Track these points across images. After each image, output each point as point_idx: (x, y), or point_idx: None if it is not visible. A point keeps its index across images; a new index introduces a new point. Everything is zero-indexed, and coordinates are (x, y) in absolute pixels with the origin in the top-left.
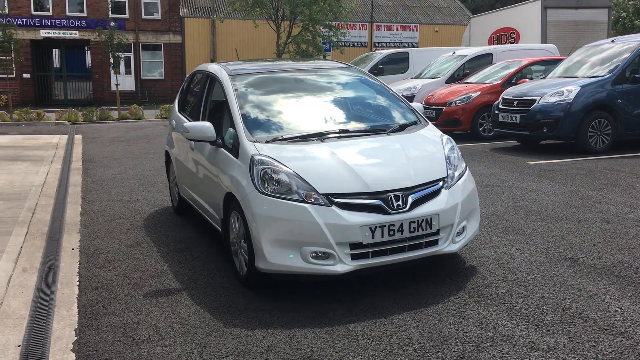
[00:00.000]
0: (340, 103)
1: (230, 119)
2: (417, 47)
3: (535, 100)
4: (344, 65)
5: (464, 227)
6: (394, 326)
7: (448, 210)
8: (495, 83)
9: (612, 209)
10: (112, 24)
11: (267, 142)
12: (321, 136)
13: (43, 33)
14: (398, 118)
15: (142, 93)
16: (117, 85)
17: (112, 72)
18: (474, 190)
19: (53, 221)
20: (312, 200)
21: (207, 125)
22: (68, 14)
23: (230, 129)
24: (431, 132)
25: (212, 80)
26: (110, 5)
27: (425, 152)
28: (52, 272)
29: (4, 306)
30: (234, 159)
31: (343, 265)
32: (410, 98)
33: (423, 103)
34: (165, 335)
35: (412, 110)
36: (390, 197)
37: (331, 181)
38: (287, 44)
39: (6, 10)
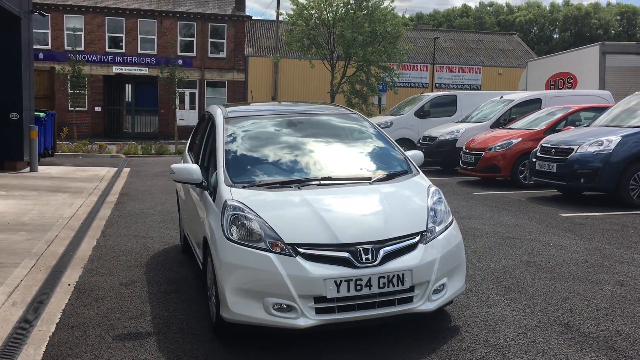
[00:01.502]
0: (329, 149)
1: (216, 162)
2: (480, 89)
3: (574, 149)
4: (345, 111)
5: (443, 285)
6: None
7: (423, 266)
8: (538, 129)
9: (632, 271)
10: (180, 61)
11: (244, 187)
12: (301, 183)
13: (115, 69)
14: (387, 166)
15: None
16: (180, 119)
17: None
18: (459, 245)
19: (64, 255)
20: (278, 249)
21: (193, 167)
22: (139, 51)
23: (216, 172)
24: (419, 183)
25: (212, 121)
26: (179, 44)
27: (406, 203)
28: (39, 307)
29: None
30: (212, 202)
31: (306, 319)
32: (453, 142)
33: (464, 148)
34: None
35: (405, 159)
36: (359, 250)
37: (299, 231)
38: (341, 84)
39: (82, 47)
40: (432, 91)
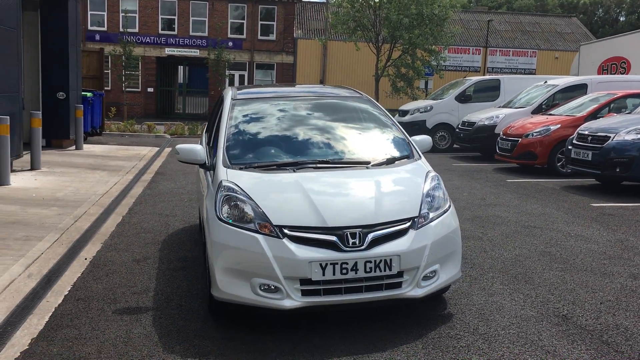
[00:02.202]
0: (332, 133)
1: (217, 143)
2: (534, 74)
3: (610, 137)
4: (355, 94)
5: (435, 272)
6: None
7: (412, 252)
8: (579, 116)
9: None
10: (230, 43)
11: (241, 168)
12: (298, 166)
13: (167, 51)
14: (389, 151)
15: None
16: None
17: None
18: (454, 232)
19: (88, 230)
20: (267, 231)
21: (197, 148)
22: (191, 33)
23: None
24: (418, 168)
25: (222, 103)
26: (229, 26)
27: (401, 188)
28: (52, 280)
29: None
30: (211, 183)
31: (291, 300)
32: (492, 128)
33: (501, 134)
34: (104, 354)
35: (409, 144)
36: (347, 234)
37: (288, 213)
38: (386, 67)
39: (136, 29)
40: (484, 75)
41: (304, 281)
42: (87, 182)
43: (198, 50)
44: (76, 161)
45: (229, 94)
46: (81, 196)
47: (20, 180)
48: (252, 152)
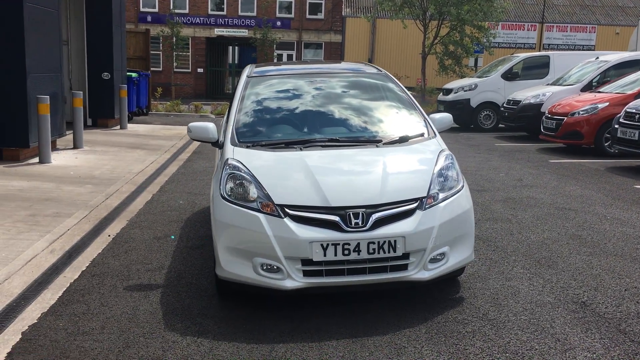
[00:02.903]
0: (346, 110)
1: (228, 120)
2: (593, 50)
3: None
4: (373, 70)
5: (443, 254)
6: (319, 352)
7: (418, 234)
8: (629, 93)
9: None
10: (278, 23)
11: (248, 146)
12: (306, 144)
13: (217, 31)
14: (403, 129)
15: None
16: None
17: None
18: (467, 214)
19: (117, 207)
20: (269, 210)
21: (209, 126)
22: (240, 13)
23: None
24: (431, 147)
25: (238, 81)
26: (277, 6)
27: (411, 168)
28: (73, 256)
29: (5, 283)
30: (220, 161)
31: (292, 281)
32: (538, 106)
33: (547, 112)
34: (107, 329)
35: (425, 121)
36: (349, 214)
37: (291, 192)
38: (433, 44)
39: (187, 10)
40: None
41: (306, 261)
42: (124, 161)
43: (247, 31)
44: (118, 140)
45: (245, 71)
46: (117, 174)
47: (61, 159)
48: (261, 130)
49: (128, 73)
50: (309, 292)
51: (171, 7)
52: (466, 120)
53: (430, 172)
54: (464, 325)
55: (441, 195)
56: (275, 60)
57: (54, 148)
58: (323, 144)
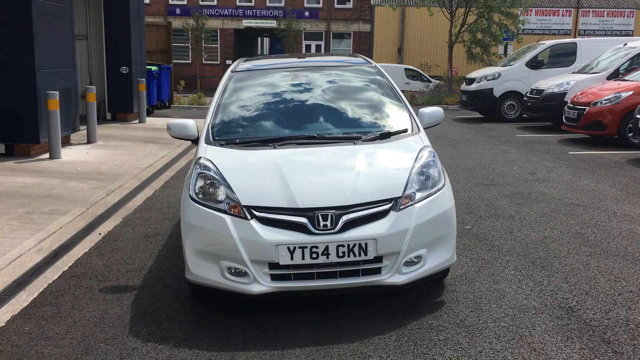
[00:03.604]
0: (329, 106)
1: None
2: (632, 35)
3: None
4: (361, 62)
5: (420, 257)
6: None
7: (391, 236)
8: None
9: None
10: (306, 13)
11: (222, 144)
12: (281, 142)
13: (245, 23)
14: (385, 125)
15: None
16: None
17: None
18: (447, 214)
19: (115, 204)
20: (236, 212)
21: (189, 123)
22: (268, 4)
23: None
24: (412, 144)
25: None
26: None
27: (387, 166)
28: (59, 256)
29: None
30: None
31: (259, 285)
32: (562, 95)
33: (569, 102)
34: (71, 334)
35: (410, 117)
36: (318, 216)
37: (259, 193)
38: (460, 32)
39: (215, 2)
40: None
41: (273, 265)
42: (135, 156)
43: (275, 21)
44: (133, 134)
45: (232, 65)
46: (124, 170)
47: (72, 154)
48: (238, 127)
49: (148, 67)
50: (277, 296)
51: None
52: (489, 110)
53: (408, 171)
54: (437, 332)
55: (419, 195)
56: (303, 51)
57: (68, 143)
58: (300, 141)
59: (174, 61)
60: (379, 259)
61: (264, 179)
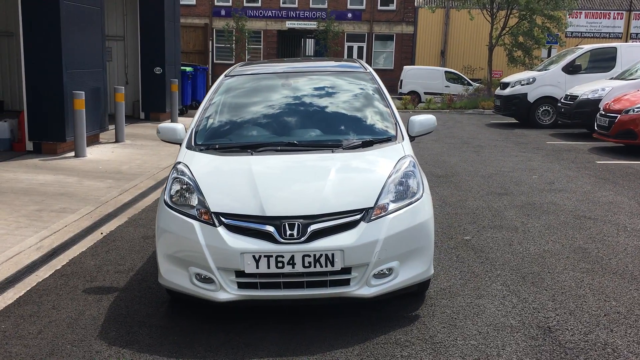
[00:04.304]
0: (315, 112)
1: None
2: None
3: None
4: (357, 70)
5: (391, 269)
6: None
7: (359, 248)
8: None
9: None
10: (349, 15)
11: (202, 150)
12: (259, 148)
13: (288, 24)
14: (368, 132)
15: None
16: None
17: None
18: (423, 226)
19: (126, 204)
20: (206, 218)
21: (178, 127)
22: (311, 5)
23: None
24: (393, 152)
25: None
26: None
27: (363, 176)
28: (57, 254)
29: None
30: None
31: (226, 293)
32: (596, 102)
33: (601, 109)
34: (43, 334)
35: (395, 125)
36: (284, 225)
37: (228, 200)
38: (501, 36)
39: (259, 3)
40: (626, 42)
41: (240, 273)
42: (158, 156)
43: (316, 23)
44: None
45: (227, 70)
46: (144, 169)
47: (98, 152)
48: (220, 132)
49: (182, 67)
50: (244, 305)
51: (245, 1)
52: (523, 115)
53: (382, 181)
54: (402, 348)
55: (393, 206)
56: (345, 55)
57: (97, 141)
58: (279, 148)
59: (216, 62)
60: (347, 270)
61: (236, 186)
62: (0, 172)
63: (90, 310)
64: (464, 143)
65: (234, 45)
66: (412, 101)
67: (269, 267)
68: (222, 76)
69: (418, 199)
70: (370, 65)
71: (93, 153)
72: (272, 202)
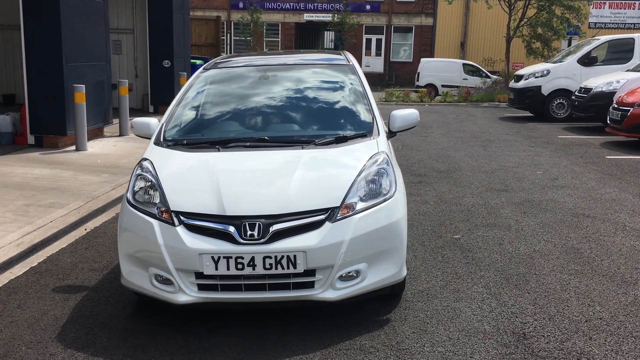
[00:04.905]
0: (290, 107)
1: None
2: None
3: None
4: (339, 62)
5: (358, 272)
6: None
7: (322, 249)
8: None
9: None
10: (368, 7)
11: (169, 145)
12: (228, 144)
13: (306, 16)
14: (343, 128)
15: (389, 75)
16: (366, 66)
17: (363, 53)
18: (393, 226)
19: (116, 199)
20: (166, 217)
21: (152, 121)
22: None
23: None
24: (365, 149)
25: None
26: None
27: (331, 173)
28: (36, 251)
29: None
30: None
31: (185, 295)
32: (610, 95)
33: (614, 102)
34: (1, 336)
35: (372, 120)
36: (245, 225)
37: (189, 198)
38: (519, 27)
39: None
40: None
41: (200, 275)
42: None
43: (335, 15)
44: None
45: (206, 64)
46: None
47: (99, 146)
48: (189, 127)
49: (192, 60)
50: (205, 307)
51: None
52: (537, 109)
53: (351, 179)
54: (366, 354)
55: (361, 205)
56: (363, 48)
57: (100, 135)
58: (248, 144)
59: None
60: (311, 272)
61: (197, 184)
62: None
63: (55, 310)
64: (473, 137)
65: (247, 39)
66: (429, 94)
67: (228, 269)
68: (200, 69)
69: (389, 198)
70: (389, 58)
71: (94, 147)
72: (233, 201)
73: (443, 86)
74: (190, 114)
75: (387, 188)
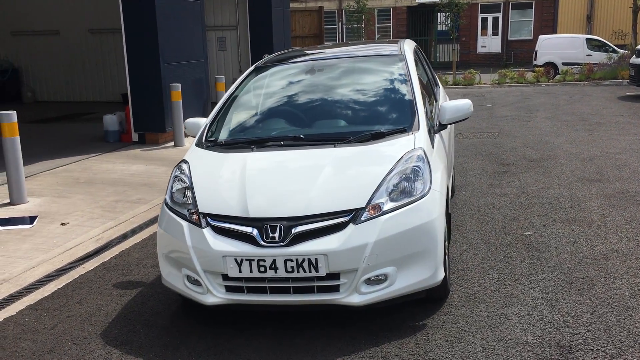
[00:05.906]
0: (329, 103)
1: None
2: None
3: None
4: (391, 52)
5: (385, 275)
6: None
7: (345, 252)
8: None
9: None
10: None
11: (208, 147)
12: (262, 144)
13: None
14: (383, 124)
15: (507, 54)
16: (482, 47)
17: (479, 33)
18: (425, 227)
19: None
20: (196, 219)
21: (202, 121)
22: None
23: None
24: (401, 146)
25: None
26: None
27: (360, 173)
28: (111, 246)
29: (28, 272)
30: None
31: (213, 296)
32: None
33: None
34: (55, 330)
35: (415, 114)
36: (267, 227)
37: (216, 200)
38: None
39: None
40: None
41: (226, 276)
42: None
43: None
44: None
45: (259, 61)
46: None
47: None
48: (230, 127)
49: None
50: (233, 308)
51: None
52: None
53: (380, 177)
54: None
55: (389, 205)
56: (479, 27)
57: None
58: (282, 143)
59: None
60: (335, 275)
61: (226, 185)
62: (101, 162)
63: (108, 306)
64: (580, 120)
65: (362, 25)
66: (547, 73)
67: (251, 271)
68: (251, 67)
69: (422, 197)
70: (507, 36)
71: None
72: (256, 203)
73: (564, 64)
74: (232, 114)
75: (420, 187)
